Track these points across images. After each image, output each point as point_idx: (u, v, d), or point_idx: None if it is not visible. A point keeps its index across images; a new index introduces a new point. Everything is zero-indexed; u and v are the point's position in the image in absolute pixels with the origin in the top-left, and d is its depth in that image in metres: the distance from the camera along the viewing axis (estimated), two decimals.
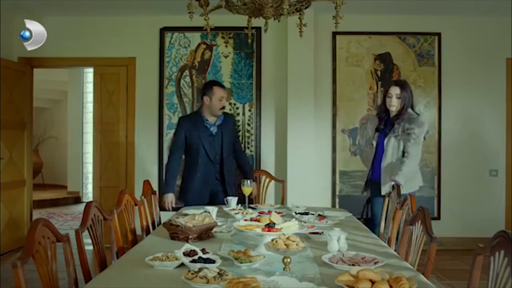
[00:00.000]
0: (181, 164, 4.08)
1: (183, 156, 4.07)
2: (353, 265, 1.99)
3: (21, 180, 5.50)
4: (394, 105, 3.65)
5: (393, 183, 3.38)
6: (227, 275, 1.74)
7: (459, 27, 5.53)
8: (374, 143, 3.83)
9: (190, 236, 2.47)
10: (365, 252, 2.22)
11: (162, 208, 3.86)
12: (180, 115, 5.51)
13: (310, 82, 5.31)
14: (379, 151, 3.73)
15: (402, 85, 3.70)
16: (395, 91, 3.65)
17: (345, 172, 5.54)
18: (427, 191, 5.39)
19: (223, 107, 3.97)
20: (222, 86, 4.01)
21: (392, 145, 3.63)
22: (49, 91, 9.30)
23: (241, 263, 1.99)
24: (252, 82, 5.52)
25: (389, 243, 2.85)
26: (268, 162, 5.49)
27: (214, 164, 3.96)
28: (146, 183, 3.59)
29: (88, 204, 2.39)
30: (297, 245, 2.01)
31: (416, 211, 2.42)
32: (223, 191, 3.96)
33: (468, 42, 5.54)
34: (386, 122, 3.75)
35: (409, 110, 3.67)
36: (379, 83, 5.52)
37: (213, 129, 3.96)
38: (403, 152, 3.60)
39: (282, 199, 4.43)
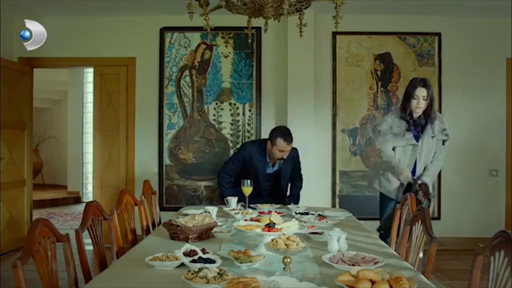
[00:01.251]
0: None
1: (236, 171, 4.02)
2: (353, 265, 1.98)
3: (21, 180, 5.50)
4: (421, 107, 3.54)
5: (420, 182, 3.35)
6: (227, 275, 1.74)
7: (459, 27, 5.53)
8: (414, 143, 3.62)
9: (190, 236, 2.47)
10: (365, 252, 2.22)
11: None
12: (180, 115, 5.52)
13: (310, 82, 5.31)
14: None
15: (428, 85, 3.56)
16: (421, 93, 3.52)
17: (345, 172, 5.54)
18: None
19: (283, 158, 3.87)
20: (289, 140, 3.83)
21: (426, 147, 3.56)
22: (49, 91, 9.30)
23: (241, 263, 1.99)
24: (252, 82, 5.51)
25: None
26: None
27: (263, 195, 3.88)
28: (146, 183, 3.59)
29: (88, 204, 2.40)
30: (297, 245, 2.01)
31: (416, 211, 2.42)
32: None
33: (468, 42, 5.54)
34: (414, 123, 3.62)
35: (435, 110, 3.60)
36: (379, 83, 5.52)
37: (270, 171, 3.95)
38: (434, 154, 3.57)
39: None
